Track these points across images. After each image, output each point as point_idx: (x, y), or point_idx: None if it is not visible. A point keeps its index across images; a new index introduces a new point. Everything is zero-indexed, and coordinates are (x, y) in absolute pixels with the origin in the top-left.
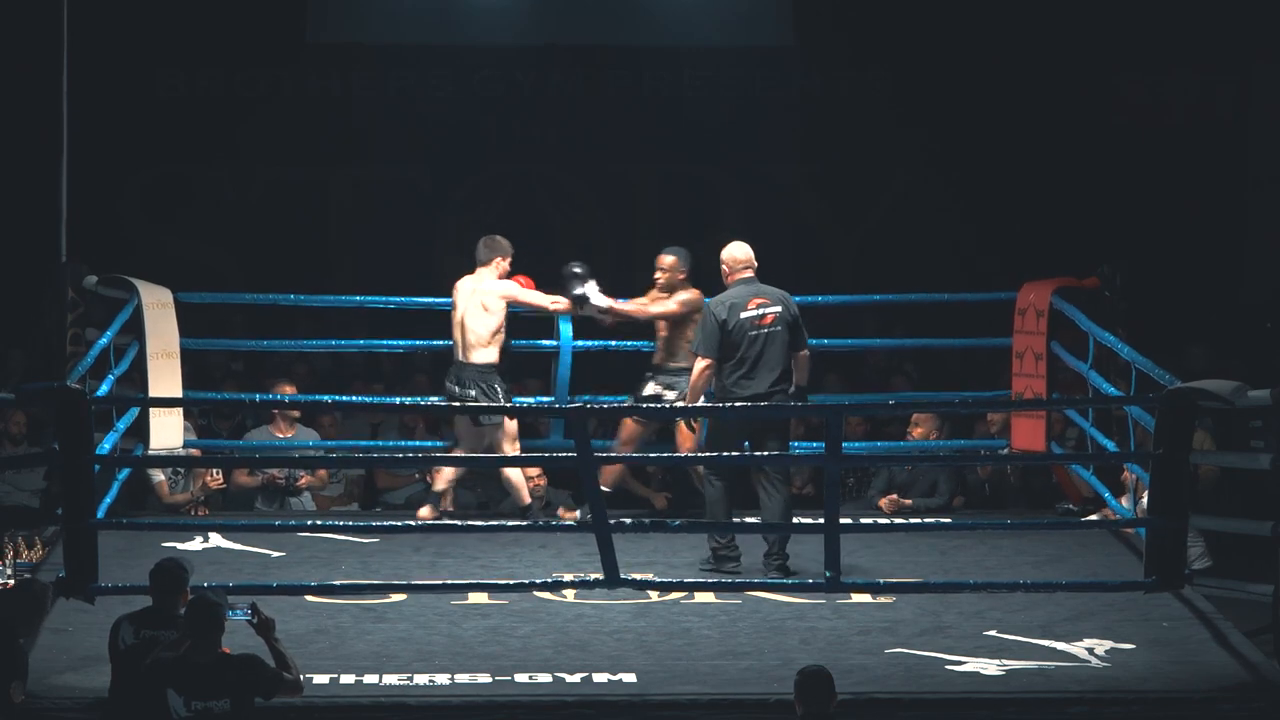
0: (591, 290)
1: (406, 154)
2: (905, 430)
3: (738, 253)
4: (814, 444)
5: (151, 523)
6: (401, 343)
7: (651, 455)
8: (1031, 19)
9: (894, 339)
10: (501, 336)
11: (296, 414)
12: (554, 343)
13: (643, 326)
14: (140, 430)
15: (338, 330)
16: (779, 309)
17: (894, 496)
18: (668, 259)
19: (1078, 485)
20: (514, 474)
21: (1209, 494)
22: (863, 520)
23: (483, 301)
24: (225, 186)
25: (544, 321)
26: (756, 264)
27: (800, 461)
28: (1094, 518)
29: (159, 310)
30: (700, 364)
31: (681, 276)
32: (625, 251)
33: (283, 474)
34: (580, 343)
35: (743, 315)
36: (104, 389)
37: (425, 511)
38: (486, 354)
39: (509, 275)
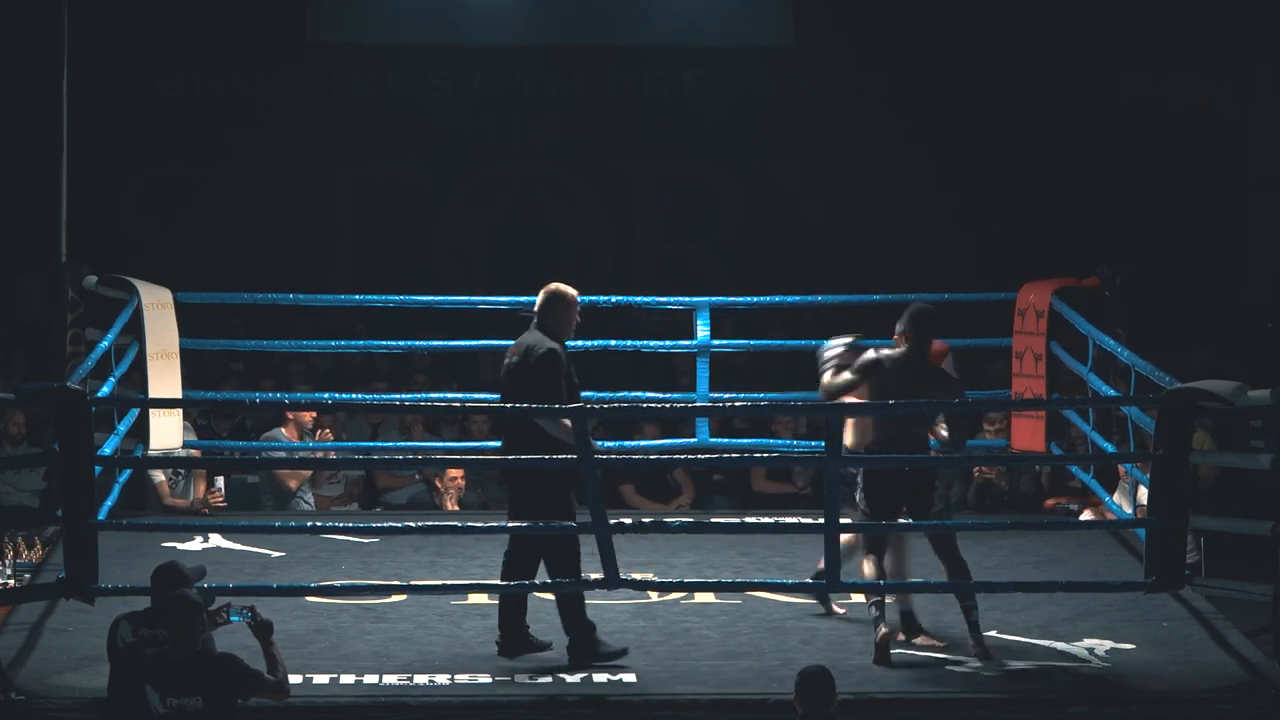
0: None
1: (406, 154)
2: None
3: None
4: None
5: (151, 523)
6: (401, 343)
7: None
8: (1032, 19)
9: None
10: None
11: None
12: None
13: (642, 328)
14: (140, 431)
15: (337, 330)
16: (510, 359)
17: None
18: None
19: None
20: None
21: (1209, 494)
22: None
23: None
24: (225, 186)
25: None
26: (556, 308)
27: (800, 463)
28: (1091, 517)
29: (159, 310)
30: None
31: (897, 336)
32: (625, 251)
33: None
34: (577, 343)
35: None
36: (105, 390)
37: None
38: None
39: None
